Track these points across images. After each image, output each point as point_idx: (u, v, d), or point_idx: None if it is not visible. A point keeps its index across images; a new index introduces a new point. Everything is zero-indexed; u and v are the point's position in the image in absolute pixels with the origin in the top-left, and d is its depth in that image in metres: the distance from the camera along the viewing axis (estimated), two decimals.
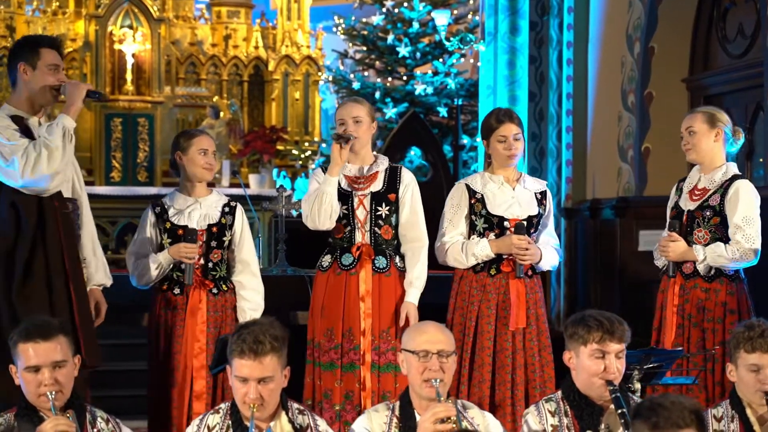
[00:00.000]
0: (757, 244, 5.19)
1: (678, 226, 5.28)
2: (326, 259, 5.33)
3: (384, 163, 5.40)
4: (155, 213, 5.31)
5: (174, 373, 5.17)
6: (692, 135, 5.29)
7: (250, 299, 5.33)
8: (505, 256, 5.29)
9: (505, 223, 5.29)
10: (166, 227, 5.26)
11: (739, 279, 5.28)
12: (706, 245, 5.22)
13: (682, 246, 5.25)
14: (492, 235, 5.30)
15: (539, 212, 5.37)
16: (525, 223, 5.31)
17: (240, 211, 5.39)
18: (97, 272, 5.04)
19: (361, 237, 5.28)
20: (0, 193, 4.70)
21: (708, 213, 5.25)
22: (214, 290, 5.27)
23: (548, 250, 5.36)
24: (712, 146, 5.30)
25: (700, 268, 5.22)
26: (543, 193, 5.44)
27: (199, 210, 5.29)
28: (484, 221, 5.34)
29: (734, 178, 5.27)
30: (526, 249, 5.24)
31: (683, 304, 5.26)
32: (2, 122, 4.73)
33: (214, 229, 5.28)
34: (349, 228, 5.29)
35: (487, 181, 5.38)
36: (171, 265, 5.22)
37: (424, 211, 5.43)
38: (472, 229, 5.38)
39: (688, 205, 5.32)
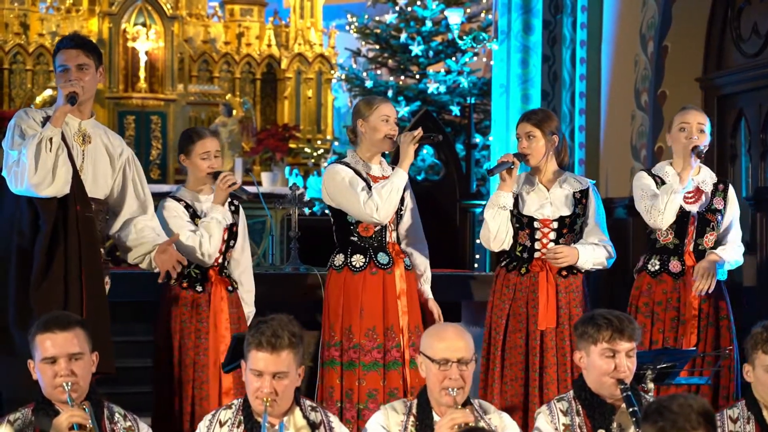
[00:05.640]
0: None
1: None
2: (358, 259, 5.25)
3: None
4: (183, 206, 5.25)
5: (205, 369, 5.19)
6: (703, 134, 5.24)
7: (249, 302, 5.38)
8: (536, 256, 5.24)
9: (535, 224, 5.23)
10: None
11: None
12: (712, 248, 5.23)
13: (710, 265, 5.21)
14: (524, 235, 5.25)
15: (575, 212, 5.27)
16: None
17: (242, 210, 5.41)
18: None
19: (389, 235, 5.29)
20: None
21: (719, 217, 5.26)
22: (230, 288, 5.30)
23: (589, 248, 5.25)
24: None
25: (723, 273, 5.21)
26: (583, 192, 5.31)
27: None
28: (516, 221, 5.27)
29: (721, 179, 5.33)
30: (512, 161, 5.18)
31: (700, 303, 5.21)
32: (25, 122, 4.66)
33: (235, 228, 5.32)
34: (379, 227, 5.27)
35: (525, 181, 5.32)
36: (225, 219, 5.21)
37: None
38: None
39: (690, 207, 5.25)
